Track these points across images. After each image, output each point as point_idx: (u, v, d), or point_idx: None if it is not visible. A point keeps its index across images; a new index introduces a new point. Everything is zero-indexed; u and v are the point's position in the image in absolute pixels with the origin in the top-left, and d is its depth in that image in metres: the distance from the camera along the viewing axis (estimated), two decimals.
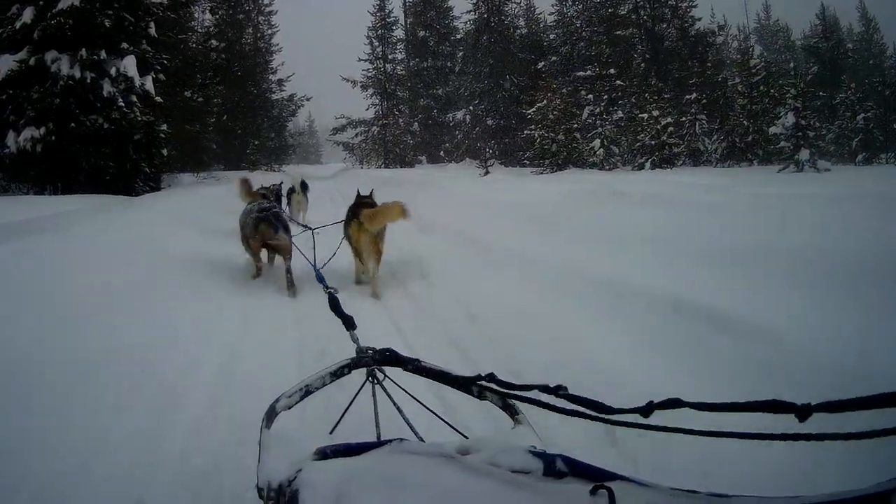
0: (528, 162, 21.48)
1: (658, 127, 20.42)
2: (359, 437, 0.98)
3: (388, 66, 32.93)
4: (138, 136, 12.08)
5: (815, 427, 0.59)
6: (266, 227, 4.72)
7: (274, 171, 34.36)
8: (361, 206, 4.85)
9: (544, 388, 0.88)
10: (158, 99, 12.21)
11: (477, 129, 31.07)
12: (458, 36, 36.13)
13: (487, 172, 17.48)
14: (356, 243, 4.66)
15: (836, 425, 0.60)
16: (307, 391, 1.18)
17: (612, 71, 23.18)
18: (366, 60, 33.59)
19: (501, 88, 31.02)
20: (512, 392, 0.97)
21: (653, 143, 20.26)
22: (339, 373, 1.25)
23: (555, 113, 19.69)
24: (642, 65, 25.03)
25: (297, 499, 0.81)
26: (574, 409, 0.81)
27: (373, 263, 4.60)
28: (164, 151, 13.17)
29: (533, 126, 19.99)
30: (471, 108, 31.32)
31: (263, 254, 5.21)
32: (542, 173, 19.56)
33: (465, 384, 1.12)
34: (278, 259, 5.18)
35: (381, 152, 32.85)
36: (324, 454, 0.91)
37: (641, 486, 0.70)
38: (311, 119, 70.98)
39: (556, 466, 0.81)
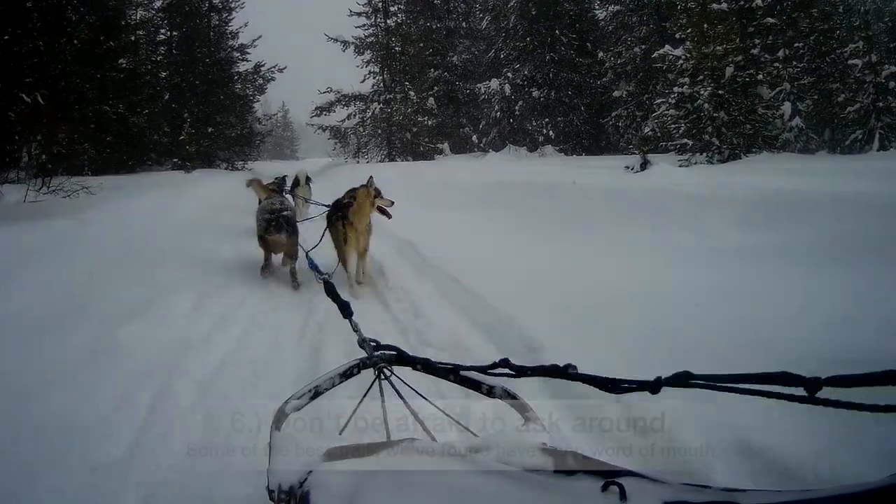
0: (675, 145, 12.59)
1: (878, 80, 12.15)
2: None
3: (390, 21, 23.94)
4: None
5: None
6: (275, 231, 4.73)
7: (238, 168, 25.31)
8: (346, 205, 4.67)
9: (554, 368, 0.92)
10: None
11: (520, 103, 22.44)
12: None
13: (646, 164, 9.00)
14: (349, 243, 4.54)
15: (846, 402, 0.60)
16: (316, 392, 1.15)
17: (758, 2, 14.73)
18: (360, 14, 24.53)
19: (552, 48, 22.48)
20: (525, 372, 1.00)
21: (880, 105, 11.96)
22: (348, 373, 1.21)
23: (731, 59, 11.18)
24: None
25: (308, 500, 0.81)
26: (586, 380, 0.85)
27: (361, 259, 4.68)
28: None
29: (686, 81, 11.41)
30: (509, 74, 22.62)
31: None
32: (709, 162, 11.08)
33: (479, 373, 1.11)
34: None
35: (385, 139, 23.93)
36: (334, 455, 0.90)
37: (652, 482, 0.70)
38: (286, 108, 61.36)
39: (566, 463, 0.79)
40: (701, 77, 10.99)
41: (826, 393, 0.61)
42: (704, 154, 11.16)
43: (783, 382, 0.63)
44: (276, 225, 4.72)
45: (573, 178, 6.99)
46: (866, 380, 0.58)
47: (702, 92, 10.91)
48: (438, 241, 5.63)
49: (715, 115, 10.91)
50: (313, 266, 2.31)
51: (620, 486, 0.68)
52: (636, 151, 11.03)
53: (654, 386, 0.73)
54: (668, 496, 0.66)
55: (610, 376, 0.80)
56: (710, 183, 6.89)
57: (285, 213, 4.88)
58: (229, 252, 6.20)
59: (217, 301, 4.27)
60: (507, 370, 1.02)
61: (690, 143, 11.11)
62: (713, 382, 0.69)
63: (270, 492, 0.89)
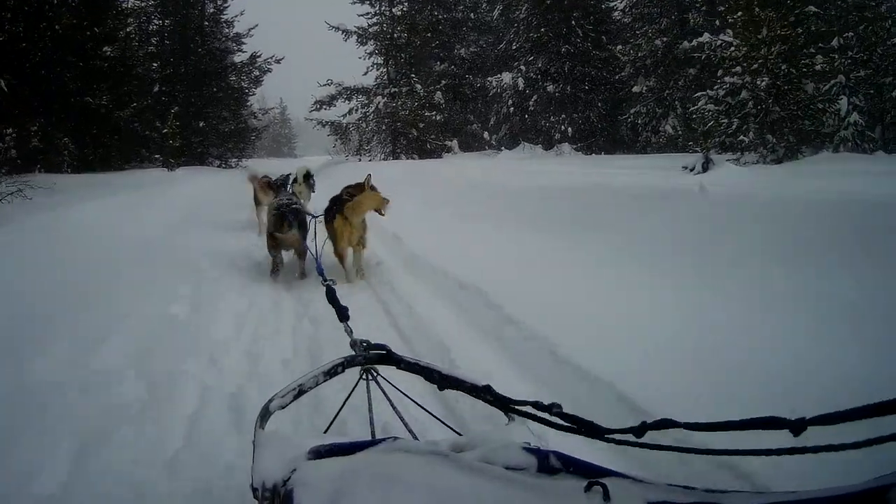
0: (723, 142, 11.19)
1: None
2: (353, 436, 0.99)
3: (395, 9, 22.61)
4: None
5: (811, 439, 0.59)
6: (282, 223, 4.65)
7: (231, 166, 23.99)
8: (345, 200, 4.74)
9: (538, 405, 0.89)
10: None
11: (534, 98, 21.15)
12: None
13: (709, 164, 7.75)
14: (343, 237, 4.65)
15: (831, 436, 0.59)
16: (300, 391, 1.14)
17: None
18: (363, 2, 23.15)
19: (567, 40, 21.15)
20: (508, 405, 0.98)
21: None
22: (332, 372, 1.20)
23: (779, 45, 9.93)
24: None
25: (291, 498, 0.79)
26: (568, 426, 0.82)
27: (357, 253, 4.77)
28: None
29: (738, 71, 10.12)
30: (522, 67, 21.32)
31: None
32: (762, 162, 9.83)
33: (461, 388, 1.09)
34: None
35: (389, 135, 22.59)
36: (318, 453, 0.89)
37: (636, 482, 0.70)
38: (284, 104, 59.98)
39: (549, 463, 0.78)
40: (756, 66, 9.71)
41: (811, 432, 0.59)
42: (757, 153, 9.91)
43: (766, 427, 0.61)
44: (287, 221, 4.64)
45: (699, 184, 5.00)
46: (850, 415, 0.56)
47: (759, 83, 9.62)
48: (523, 294, 3.60)
49: (771, 108, 9.65)
50: (320, 270, 2.32)
51: (604, 487, 0.66)
52: (699, 149, 9.75)
53: (638, 431, 0.73)
54: (652, 497, 0.65)
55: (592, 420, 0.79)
56: (852, 188, 5.41)
57: (294, 205, 4.90)
58: (183, 309, 3.85)
59: (117, 456, 2.10)
60: (488, 396, 1.01)
61: (746, 140, 9.83)
62: (696, 429, 0.68)
63: (254, 489, 0.86)
